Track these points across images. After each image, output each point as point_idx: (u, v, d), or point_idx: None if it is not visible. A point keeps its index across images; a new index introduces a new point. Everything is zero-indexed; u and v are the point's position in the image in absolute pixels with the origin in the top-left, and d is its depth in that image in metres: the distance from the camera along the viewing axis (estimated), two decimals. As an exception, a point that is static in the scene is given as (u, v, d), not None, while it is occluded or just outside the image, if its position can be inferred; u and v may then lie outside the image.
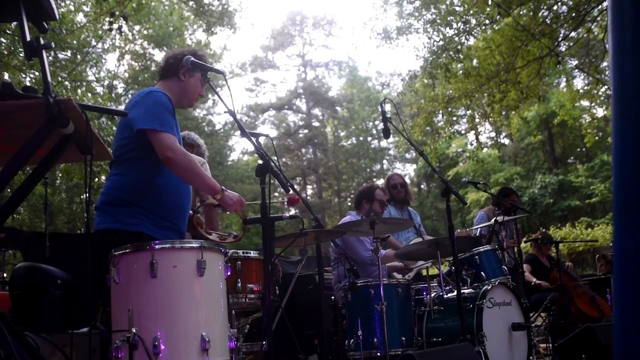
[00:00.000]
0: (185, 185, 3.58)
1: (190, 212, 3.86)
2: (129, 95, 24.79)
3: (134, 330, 2.48)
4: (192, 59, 3.34)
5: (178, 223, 3.52)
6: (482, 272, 4.92)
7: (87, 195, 2.43)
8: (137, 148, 3.38)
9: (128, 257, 2.68)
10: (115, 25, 10.36)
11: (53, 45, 2.16)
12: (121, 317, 2.57)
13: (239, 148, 44.28)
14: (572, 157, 30.32)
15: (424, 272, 5.63)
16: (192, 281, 2.67)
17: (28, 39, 2.09)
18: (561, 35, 13.22)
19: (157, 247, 2.64)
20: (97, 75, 19.27)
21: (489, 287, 4.54)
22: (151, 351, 2.47)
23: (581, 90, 16.11)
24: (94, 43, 15.89)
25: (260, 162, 3.00)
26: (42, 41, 2.09)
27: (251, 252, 3.62)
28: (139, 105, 3.41)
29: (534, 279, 7.38)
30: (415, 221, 6.38)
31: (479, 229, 6.63)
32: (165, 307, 2.59)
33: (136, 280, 2.64)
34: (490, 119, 15.57)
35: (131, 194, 3.38)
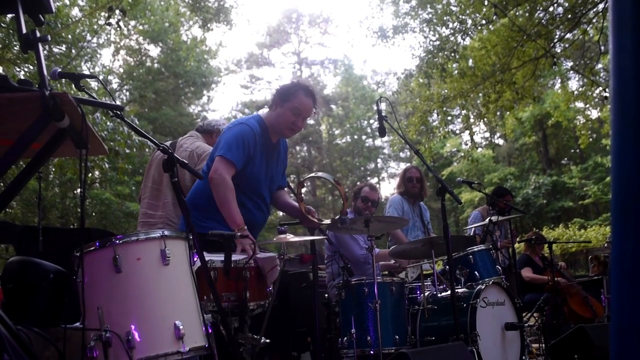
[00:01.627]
0: (255, 203, 3.93)
1: (294, 200, 4.17)
2: (124, 90, 24.77)
3: (106, 328, 2.45)
4: (59, 70, 3.15)
5: None
6: (476, 272, 4.92)
7: (82, 190, 2.41)
8: None
9: (91, 256, 2.64)
10: (112, 20, 10.29)
11: (49, 39, 2.11)
12: (92, 317, 2.54)
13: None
14: (566, 158, 30.42)
15: (428, 271, 5.58)
16: (158, 271, 2.62)
17: (24, 31, 2.08)
18: (557, 36, 13.24)
19: (118, 241, 2.60)
20: (91, 70, 19.20)
21: (483, 287, 4.54)
22: (126, 346, 2.44)
23: (576, 92, 16.14)
24: (89, 38, 15.83)
25: (165, 156, 2.88)
26: (38, 34, 2.07)
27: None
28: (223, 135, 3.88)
29: (537, 276, 7.43)
30: (424, 217, 6.35)
31: (473, 229, 6.63)
32: (134, 300, 2.55)
33: (101, 278, 2.59)
34: (485, 119, 15.60)
35: (203, 199, 3.76)
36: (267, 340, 3.33)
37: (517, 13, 13.02)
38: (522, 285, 7.34)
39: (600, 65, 15.10)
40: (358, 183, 6.45)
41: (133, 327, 2.48)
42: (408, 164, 12.07)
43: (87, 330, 2.54)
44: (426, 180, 6.64)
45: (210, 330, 2.76)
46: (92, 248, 2.65)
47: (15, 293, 3.51)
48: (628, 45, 1.01)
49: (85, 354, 2.49)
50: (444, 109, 14.70)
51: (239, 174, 3.76)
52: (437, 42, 13.89)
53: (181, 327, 2.55)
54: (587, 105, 16.96)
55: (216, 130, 4.87)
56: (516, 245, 6.97)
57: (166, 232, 2.71)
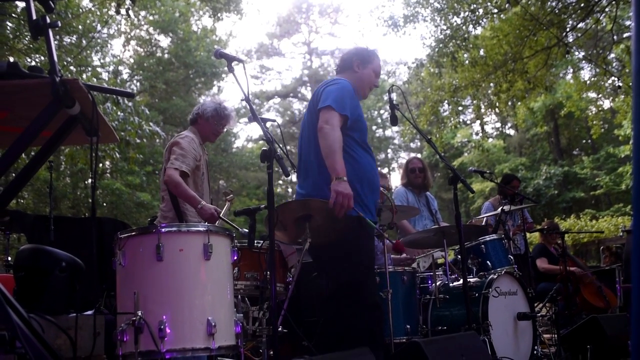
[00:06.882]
0: (371, 156, 3.85)
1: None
2: (134, 81, 24.79)
3: (139, 314, 2.45)
4: (220, 50, 3.40)
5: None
6: (488, 261, 4.90)
7: (93, 178, 2.40)
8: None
9: (134, 240, 2.66)
10: (122, 10, 10.26)
11: (59, 24, 2.09)
12: (127, 300, 2.55)
13: (244, 135, 44.33)
14: (577, 149, 30.19)
15: (440, 261, 5.54)
16: (199, 265, 2.64)
17: (34, 17, 2.06)
18: (569, 25, 13.12)
19: (163, 230, 2.62)
20: (102, 61, 19.24)
21: (495, 276, 4.52)
22: (157, 335, 2.45)
23: (588, 82, 16.01)
24: (99, 28, 15.84)
25: (264, 147, 2.95)
26: (48, 20, 2.05)
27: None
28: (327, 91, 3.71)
29: (552, 266, 7.41)
30: (432, 207, 6.31)
31: (485, 219, 6.58)
32: (171, 290, 2.57)
33: (142, 264, 2.62)
34: (496, 109, 15.50)
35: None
36: (285, 330, 3.36)
37: (530, 2, 12.89)
38: (536, 275, 7.31)
39: (612, 55, 14.97)
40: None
41: (165, 317, 2.49)
42: (412, 155, 12.00)
43: (119, 314, 2.56)
44: (429, 170, 6.59)
45: (240, 330, 2.76)
46: (135, 233, 2.67)
47: (27, 281, 3.52)
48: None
49: (114, 336, 2.51)
50: (455, 98, 14.60)
51: (355, 124, 3.71)
52: (448, 31, 13.77)
53: (214, 323, 2.56)
54: (600, 95, 16.83)
55: (196, 115, 4.60)
56: (528, 234, 6.93)
57: (211, 227, 2.72)
